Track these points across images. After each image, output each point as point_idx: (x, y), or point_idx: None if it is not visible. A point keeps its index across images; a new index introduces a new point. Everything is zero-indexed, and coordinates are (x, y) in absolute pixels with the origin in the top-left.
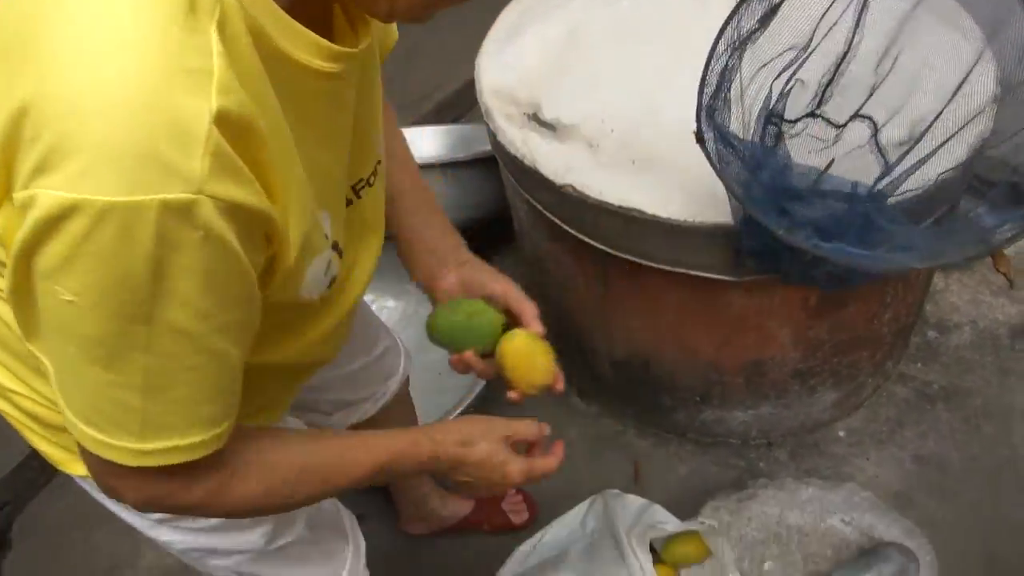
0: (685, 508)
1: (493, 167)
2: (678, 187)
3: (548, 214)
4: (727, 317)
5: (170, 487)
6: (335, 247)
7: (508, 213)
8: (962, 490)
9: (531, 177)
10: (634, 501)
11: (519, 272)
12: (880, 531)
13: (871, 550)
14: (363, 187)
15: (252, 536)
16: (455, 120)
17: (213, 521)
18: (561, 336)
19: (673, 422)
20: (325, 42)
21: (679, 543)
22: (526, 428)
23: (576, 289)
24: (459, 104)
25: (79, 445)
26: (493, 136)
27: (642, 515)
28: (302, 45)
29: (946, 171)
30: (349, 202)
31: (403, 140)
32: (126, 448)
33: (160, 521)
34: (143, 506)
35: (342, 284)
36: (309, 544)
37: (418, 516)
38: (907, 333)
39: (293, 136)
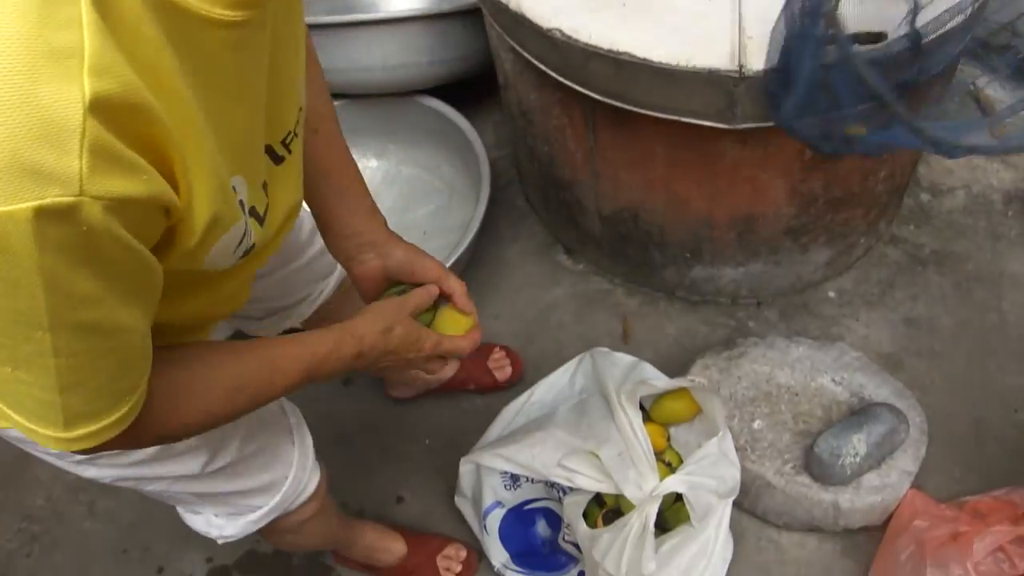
0: (674, 367)
1: (477, 19)
2: (671, 29)
3: (535, 61)
4: (719, 168)
5: (112, 445)
6: (253, 213)
7: (492, 66)
8: (951, 354)
9: (517, 23)
10: (623, 359)
11: (504, 129)
12: (870, 391)
13: (861, 410)
14: (292, 139)
15: (187, 465)
16: None
17: (141, 455)
18: (548, 192)
19: (662, 280)
20: None
21: (668, 401)
22: (423, 296)
23: (564, 141)
24: None
25: None
26: None
27: (631, 373)
28: None
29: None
30: (280, 159)
31: (328, 101)
32: (53, 437)
33: (86, 460)
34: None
35: (264, 245)
36: (251, 456)
37: (402, 380)
38: (901, 193)
39: (197, 99)
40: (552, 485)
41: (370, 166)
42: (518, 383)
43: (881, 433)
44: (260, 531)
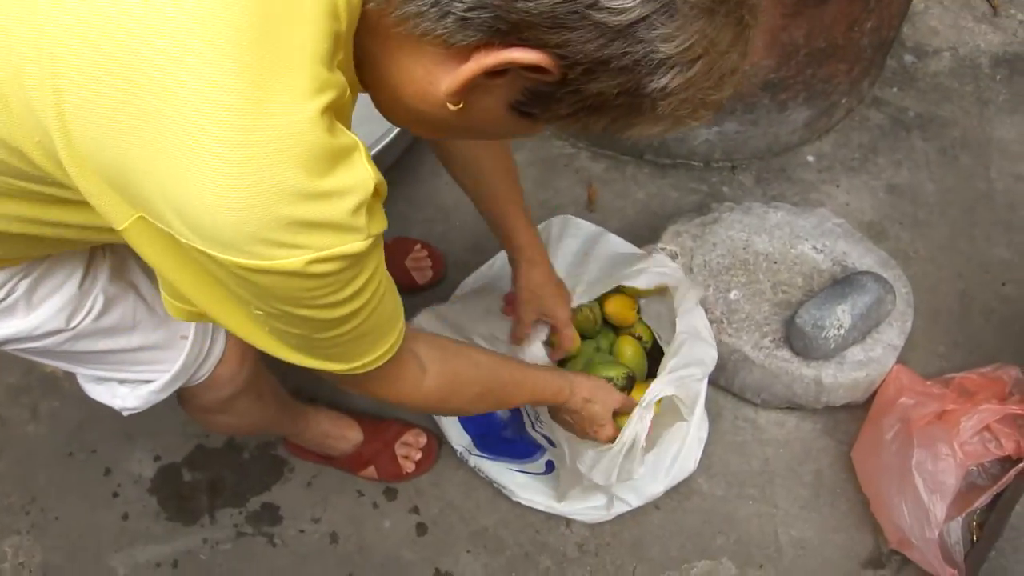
0: (643, 234)
1: None
2: None
3: None
4: None
5: (383, 373)
6: None
7: None
8: (936, 223)
9: None
10: (587, 228)
11: None
12: (854, 260)
13: (845, 279)
14: None
15: (41, 318)
16: None
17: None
18: None
19: (630, 141)
20: None
21: None
22: (630, 407)
23: None
24: None
25: None
26: None
27: (595, 245)
28: None
29: None
30: None
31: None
32: (338, 368)
33: None
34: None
35: None
36: (142, 309)
37: None
38: (886, 50)
39: None
40: None
41: None
42: (440, 283)
43: (867, 304)
44: (189, 412)
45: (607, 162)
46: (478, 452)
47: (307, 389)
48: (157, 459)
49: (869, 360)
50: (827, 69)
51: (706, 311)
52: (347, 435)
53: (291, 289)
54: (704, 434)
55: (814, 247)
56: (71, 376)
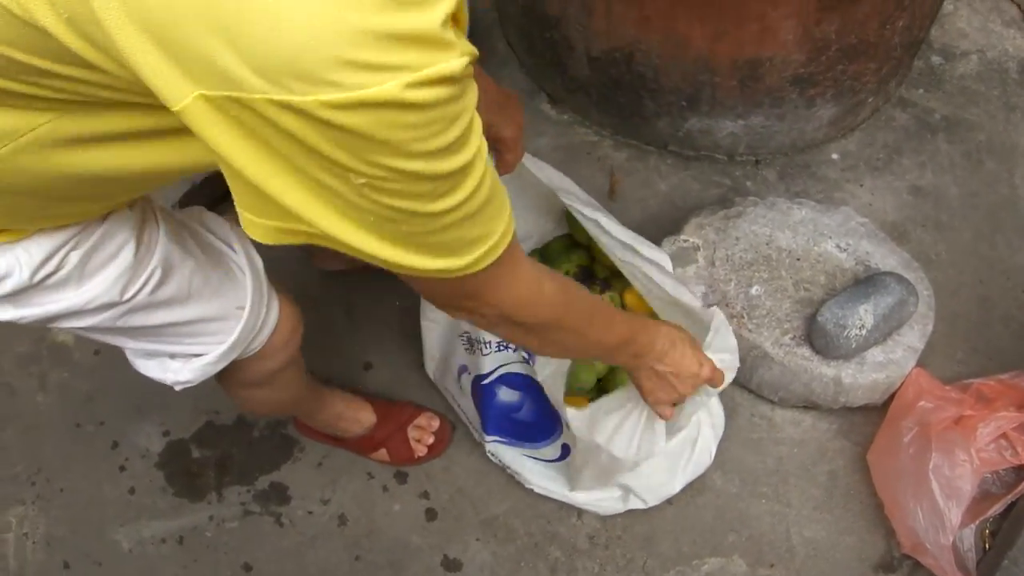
0: (665, 225)
1: None
2: None
3: None
4: (726, 2)
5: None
6: None
7: None
8: (959, 227)
9: None
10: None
11: None
12: (877, 261)
13: (868, 279)
14: None
15: (96, 291)
16: None
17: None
18: (532, 33)
19: (654, 132)
20: None
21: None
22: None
23: None
24: None
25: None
26: None
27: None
28: None
29: None
30: None
31: None
32: (455, 264)
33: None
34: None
35: None
36: (198, 279)
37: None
38: (915, 50)
39: None
40: (515, 348)
41: None
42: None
43: (889, 305)
44: (227, 388)
45: (630, 151)
46: (496, 437)
47: (321, 370)
48: (166, 434)
49: (889, 362)
50: (857, 66)
51: (727, 305)
52: (360, 417)
53: (390, 129)
54: (720, 430)
55: (838, 245)
56: (82, 346)
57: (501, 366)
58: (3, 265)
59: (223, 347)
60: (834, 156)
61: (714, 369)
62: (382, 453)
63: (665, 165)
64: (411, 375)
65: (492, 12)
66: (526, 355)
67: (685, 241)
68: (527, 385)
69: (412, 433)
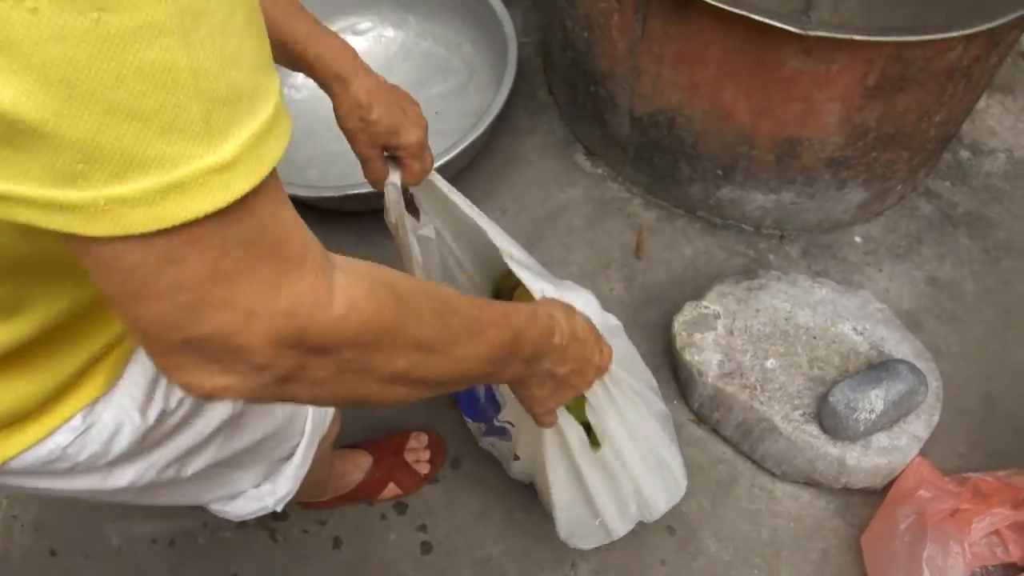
0: (686, 289)
1: None
2: None
3: None
4: (774, 79)
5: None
6: None
7: None
8: (972, 321)
9: None
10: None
11: (533, 16)
12: (891, 347)
13: (881, 364)
14: None
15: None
16: None
17: (183, 409)
18: (577, 86)
19: (686, 195)
20: None
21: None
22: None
23: (607, 28)
24: None
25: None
26: None
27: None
28: None
29: None
30: None
31: None
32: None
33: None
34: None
35: None
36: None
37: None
38: (946, 143)
39: None
40: None
41: (386, 35)
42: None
43: (900, 392)
44: None
45: (659, 212)
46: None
47: None
48: None
49: (893, 448)
50: (890, 155)
51: (741, 375)
52: (359, 463)
53: None
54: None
55: (854, 328)
56: None
57: None
58: (109, 420)
59: (305, 439)
60: (857, 239)
61: (610, 352)
62: (391, 488)
63: (692, 229)
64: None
65: (537, 58)
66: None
67: (706, 308)
68: None
69: (409, 456)
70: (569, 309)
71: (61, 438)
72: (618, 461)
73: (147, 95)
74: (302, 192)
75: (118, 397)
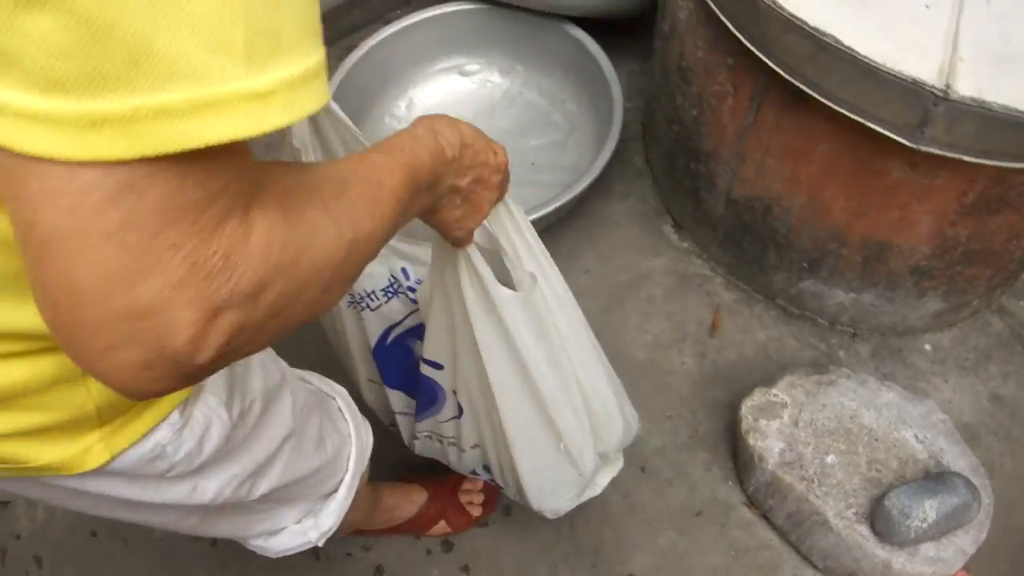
0: (755, 374)
1: None
2: (884, 25)
3: (723, 18)
4: (877, 185)
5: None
6: None
7: (652, 10)
8: None
9: None
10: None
11: (639, 80)
12: (949, 459)
13: (938, 475)
14: None
15: (284, 414)
16: None
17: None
18: (676, 159)
19: (768, 282)
20: None
21: None
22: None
23: (718, 111)
24: None
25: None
26: None
27: None
28: None
29: None
30: None
31: None
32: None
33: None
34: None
35: None
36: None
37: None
38: None
39: None
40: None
41: (492, 80)
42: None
43: (954, 505)
44: None
45: (739, 294)
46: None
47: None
48: None
49: (939, 559)
50: (974, 270)
51: (800, 467)
52: (413, 498)
53: None
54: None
55: (916, 436)
56: None
57: (396, 323)
58: (200, 417)
59: (350, 472)
60: (927, 347)
61: (502, 149)
62: (441, 526)
63: (768, 316)
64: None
65: (637, 124)
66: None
67: (775, 396)
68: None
69: (463, 498)
70: (449, 119)
71: (161, 434)
72: (560, 339)
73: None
74: None
75: (205, 395)
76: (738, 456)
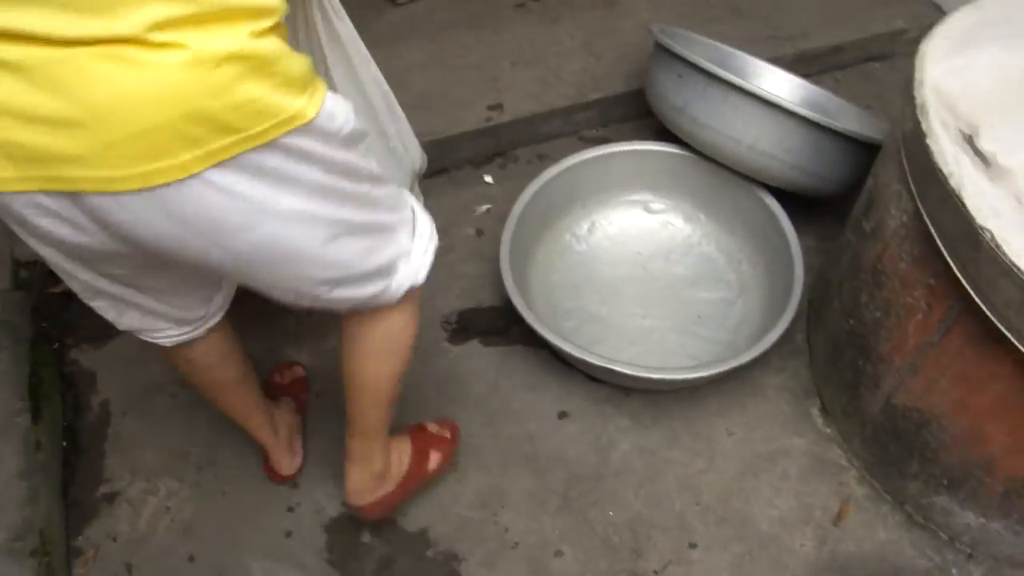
0: (869, 571)
1: (863, 150)
2: None
3: (939, 242)
4: None
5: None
6: None
7: (846, 198)
8: None
9: (944, 197)
10: None
11: (814, 259)
12: None
13: None
14: None
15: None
16: (806, 75)
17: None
18: (843, 351)
19: (902, 488)
20: None
21: None
22: None
23: (904, 322)
24: (818, 61)
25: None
26: (918, 135)
27: None
28: None
29: None
30: None
31: None
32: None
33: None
34: None
35: None
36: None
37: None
38: None
39: None
40: None
41: (674, 224)
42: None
43: None
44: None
45: (870, 491)
46: None
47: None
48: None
49: None
50: None
51: None
52: (403, 448)
53: None
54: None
55: None
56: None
57: None
58: (340, 113)
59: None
60: None
61: None
62: (436, 459)
63: (893, 519)
64: None
65: (804, 304)
66: None
67: None
68: None
69: (431, 429)
70: None
71: (330, 104)
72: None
73: None
74: (551, 338)
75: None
76: None
